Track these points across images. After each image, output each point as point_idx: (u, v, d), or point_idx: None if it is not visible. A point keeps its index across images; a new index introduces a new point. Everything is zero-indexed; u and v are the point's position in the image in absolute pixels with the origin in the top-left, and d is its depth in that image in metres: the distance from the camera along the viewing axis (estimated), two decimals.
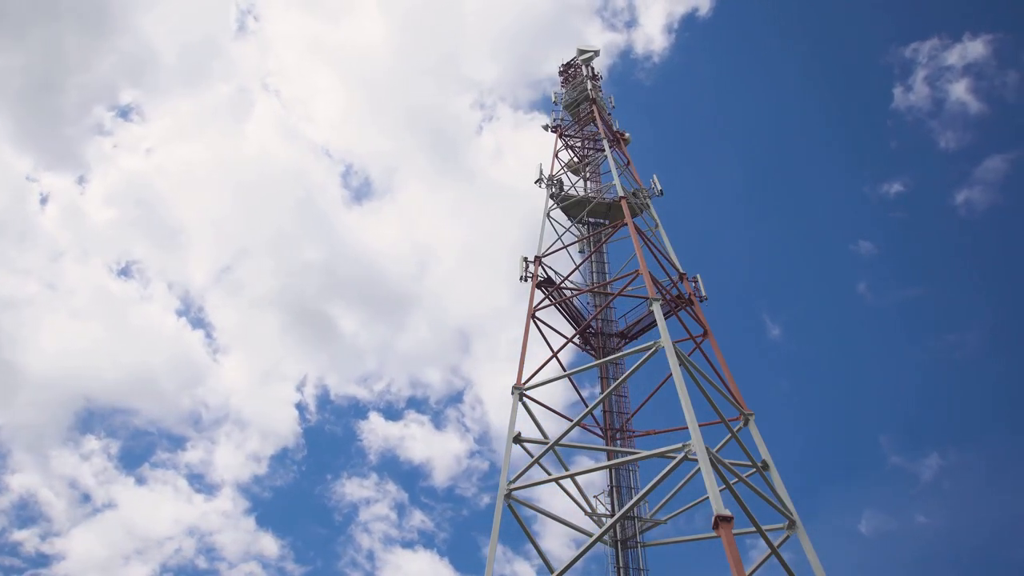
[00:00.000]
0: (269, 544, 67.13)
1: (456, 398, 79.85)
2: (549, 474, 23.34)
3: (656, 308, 23.54)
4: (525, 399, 24.38)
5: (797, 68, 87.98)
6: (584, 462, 26.17)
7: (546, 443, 23.11)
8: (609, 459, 24.50)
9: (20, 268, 75.12)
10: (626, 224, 28.70)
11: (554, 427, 25.29)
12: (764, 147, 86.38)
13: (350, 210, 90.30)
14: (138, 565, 63.60)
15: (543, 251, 29.92)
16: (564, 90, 42.20)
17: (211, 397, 76.25)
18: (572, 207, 32.57)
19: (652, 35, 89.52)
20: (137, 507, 68.84)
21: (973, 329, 69.62)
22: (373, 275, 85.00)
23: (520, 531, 21.58)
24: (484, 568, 20.06)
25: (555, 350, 26.89)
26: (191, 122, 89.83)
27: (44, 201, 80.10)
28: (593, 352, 27.98)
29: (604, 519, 23.48)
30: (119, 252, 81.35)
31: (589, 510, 23.98)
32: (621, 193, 30.67)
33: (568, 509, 24.03)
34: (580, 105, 40.20)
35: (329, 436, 78.51)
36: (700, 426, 19.08)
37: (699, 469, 18.01)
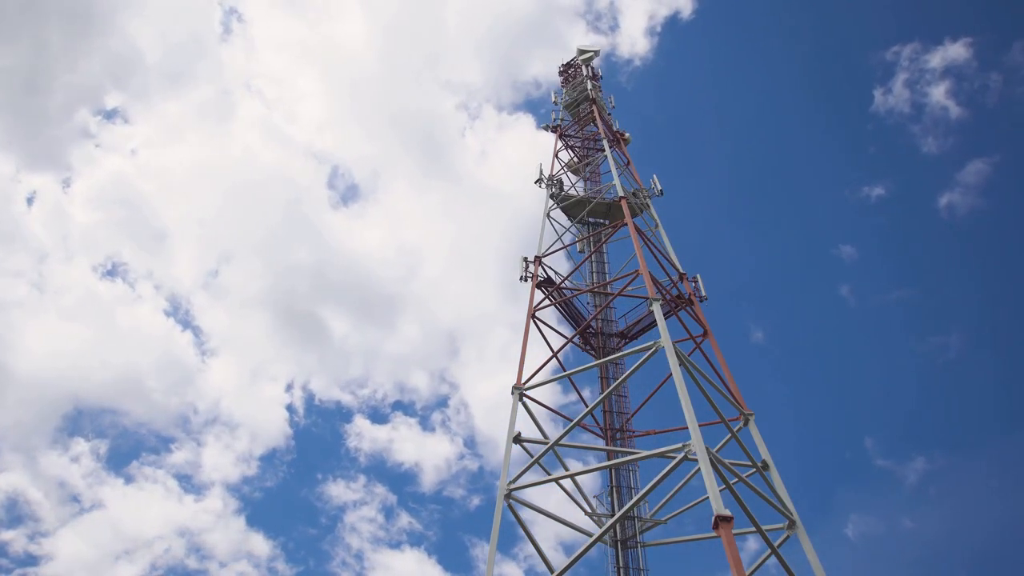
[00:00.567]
0: (260, 544, 67.39)
1: (442, 402, 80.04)
2: (549, 474, 23.33)
3: (656, 308, 23.53)
4: (525, 399, 24.35)
5: (778, 71, 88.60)
6: (579, 464, 26.18)
7: (546, 443, 23.10)
8: (609, 459, 24.49)
9: (7, 270, 75.25)
10: (626, 224, 28.70)
11: (551, 428, 25.31)
12: (745, 150, 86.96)
13: (337, 212, 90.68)
14: (128, 565, 63.78)
15: (543, 251, 29.93)
16: (564, 90, 42.21)
17: (200, 398, 76.63)
18: (572, 207, 32.57)
19: (635, 37, 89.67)
20: (126, 507, 69.23)
21: (957, 332, 69.84)
22: (361, 278, 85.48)
23: (510, 532, 21.52)
24: (473, 568, 20.06)
25: (555, 350, 26.90)
26: (176, 124, 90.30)
27: (30, 202, 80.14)
28: (593, 352, 27.97)
29: (604, 519, 23.47)
30: (106, 253, 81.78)
31: (589, 510, 23.98)
32: (621, 193, 30.67)
33: (567, 509, 24.05)
34: (580, 105, 40.20)
35: (319, 437, 79.01)
36: (700, 426, 19.07)
37: (699, 469, 18.00)
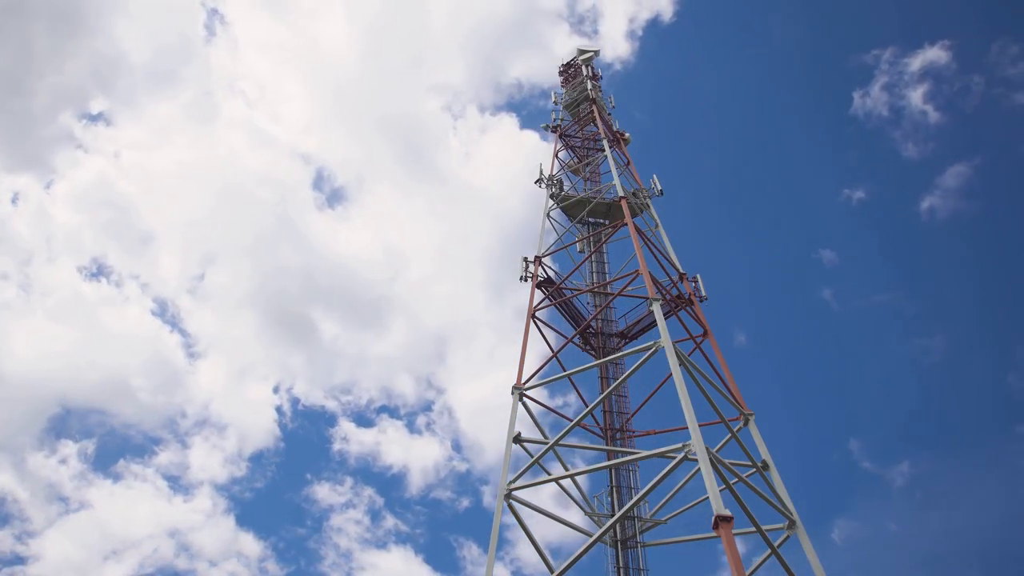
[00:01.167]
0: (250, 544, 67.46)
1: (426, 406, 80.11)
2: (549, 474, 23.33)
3: (656, 308, 23.52)
4: (525, 399, 24.35)
5: (759, 75, 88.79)
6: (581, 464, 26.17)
7: (546, 443, 23.09)
8: (609, 459, 24.48)
9: None
10: (626, 224, 28.70)
11: (546, 429, 25.28)
12: (726, 153, 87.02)
13: (322, 214, 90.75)
14: (116, 565, 63.82)
15: (543, 251, 29.93)
16: (564, 90, 42.22)
17: (188, 399, 76.69)
18: (572, 207, 32.57)
19: (616, 40, 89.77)
20: (114, 507, 69.27)
21: (940, 335, 69.89)
22: (347, 280, 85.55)
23: (500, 534, 21.44)
24: (461, 569, 20.03)
25: (555, 350, 26.90)
26: (161, 126, 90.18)
27: (15, 202, 79.93)
28: (593, 352, 27.97)
29: (604, 519, 23.46)
30: (92, 255, 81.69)
31: (589, 510, 23.98)
32: (621, 193, 30.67)
33: (567, 509, 24.04)
34: (580, 105, 40.21)
35: (307, 439, 79.07)
36: (700, 426, 19.05)
37: (699, 469, 17.99)
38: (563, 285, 29.05)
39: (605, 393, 24.72)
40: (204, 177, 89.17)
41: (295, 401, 77.54)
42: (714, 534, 16.45)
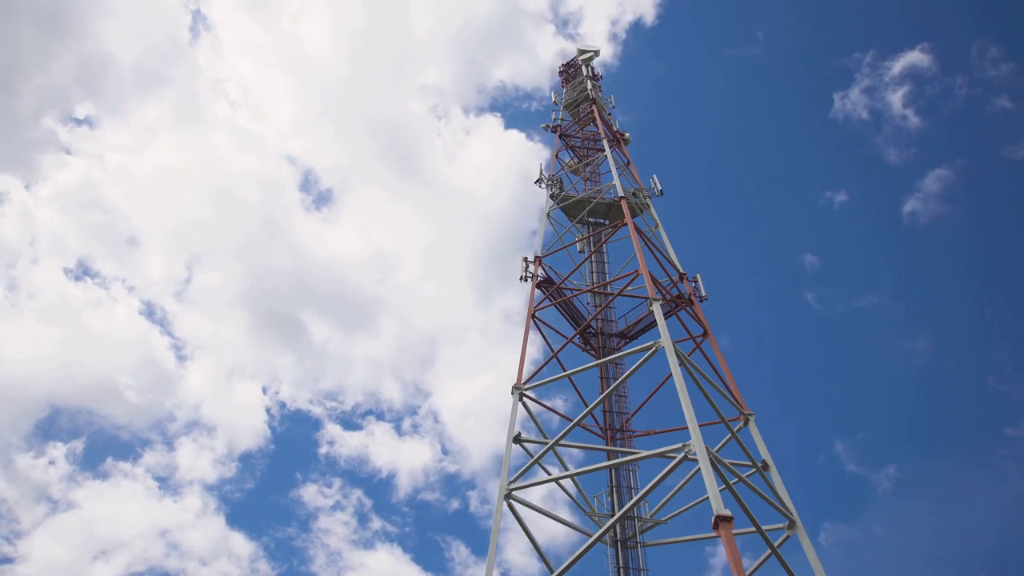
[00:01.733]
0: (241, 544, 67.56)
1: (412, 410, 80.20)
2: (549, 474, 23.33)
3: (656, 308, 23.52)
4: (525, 399, 24.35)
5: (741, 77, 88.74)
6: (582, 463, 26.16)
7: (546, 443, 23.09)
8: (609, 459, 24.48)
9: None
10: (626, 224, 28.70)
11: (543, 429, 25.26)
12: (710, 155, 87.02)
13: (310, 216, 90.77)
14: (105, 565, 63.74)
15: (543, 251, 29.92)
16: (564, 90, 42.22)
17: (177, 400, 76.58)
18: (572, 207, 32.56)
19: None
20: (104, 508, 69.14)
21: (924, 338, 69.88)
22: (335, 283, 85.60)
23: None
24: (450, 570, 20.02)
25: (555, 350, 26.90)
26: (147, 127, 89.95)
27: (1, 203, 79.68)
28: (593, 352, 27.96)
29: (604, 519, 23.46)
30: (77, 257, 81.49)
31: (589, 510, 23.98)
32: (621, 193, 30.66)
33: (567, 509, 24.05)
34: (580, 105, 40.21)
35: (296, 441, 79.27)
36: (700, 426, 19.05)
37: (699, 469, 17.99)
38: (563, 285, 29.05)
39: (605, 393, 24.72)
40: (190, 179, 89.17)
41: (286, 402, 77.71)
42: (714, 534, 16.46)
